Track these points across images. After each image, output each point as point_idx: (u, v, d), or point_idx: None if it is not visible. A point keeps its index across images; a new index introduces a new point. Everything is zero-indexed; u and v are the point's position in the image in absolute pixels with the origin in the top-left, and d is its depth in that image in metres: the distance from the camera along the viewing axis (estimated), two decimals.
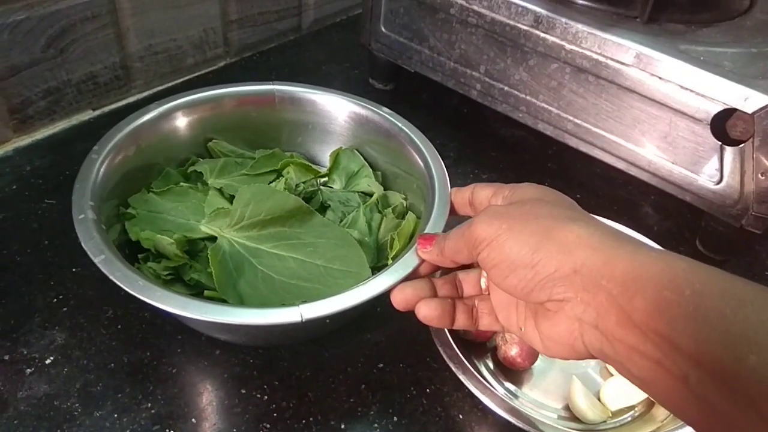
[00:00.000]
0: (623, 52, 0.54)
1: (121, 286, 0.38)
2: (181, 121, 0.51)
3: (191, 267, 0.44)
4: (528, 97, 0.63)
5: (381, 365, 0.48)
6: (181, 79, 0.76)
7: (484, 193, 0.41)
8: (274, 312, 0.37)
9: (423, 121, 0.74)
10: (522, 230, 0.33)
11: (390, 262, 0.46)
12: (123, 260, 0.40)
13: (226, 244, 0.44)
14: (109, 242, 0.41)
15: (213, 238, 0.45)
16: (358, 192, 0.54)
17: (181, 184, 0.50)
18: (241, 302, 0.42)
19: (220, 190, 0.49)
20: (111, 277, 0.39)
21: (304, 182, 0.52)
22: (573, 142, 0.62)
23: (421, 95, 0.79)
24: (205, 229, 0.45)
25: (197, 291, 0.44)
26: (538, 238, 0.32)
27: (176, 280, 0.44)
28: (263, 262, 0.44)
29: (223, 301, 0.41)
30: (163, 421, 0.43)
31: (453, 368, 0.43)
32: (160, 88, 0.75)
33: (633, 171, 0.59)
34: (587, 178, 0.68)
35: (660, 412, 0.45)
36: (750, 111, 0.50)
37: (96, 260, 0.39)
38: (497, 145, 0.72)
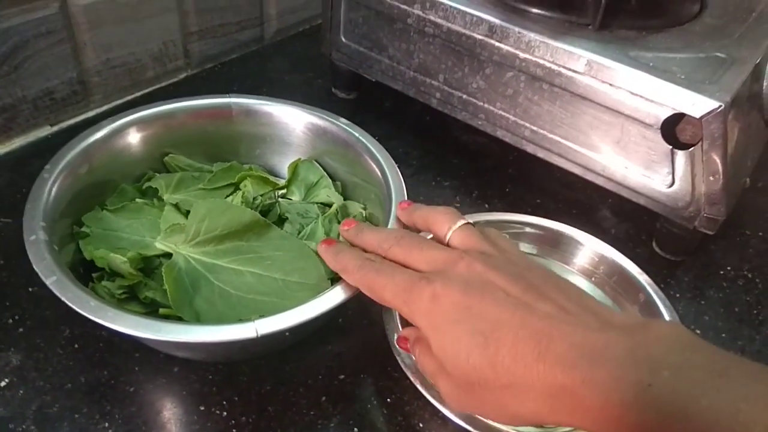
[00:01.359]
0: (575, 60, 0.55)
1: (73, 307, 0.38)
2: (135, 137, 0.51)
3: (146, 285, 0.44)
4: (486, 105, 0.64)
5: (342, 376, 0.48)
6: (142, 92, 0.76)
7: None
8: (229, 328, 0.37)
9: (386, 130, 0.75)
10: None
11: None
12: (75, 281, 0.39)
13: (182, 260, 0.43)
14: (60, 263, 0.40)
15: (169, 255, 0.45)
16: (317, 203, 0.54)
17: (137, 200, 0.50)
18: (198, 319, 0.41)
19: (176, 206, 0.49)
20: (63, 299, 0.38)
21: (261, 195, 0.52)
22: (531, 149, 0.63)
23: (384, 104, 0.79)
24: (160, 245, 0.45)
25: (153, 309, 0.43)
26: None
27: (131, 298, 0.44)
28: (220, 277, 0.43)
29: (179, 318, 0.41)
30: None
31: (410, 377, 0.43)
32: (119, 101, 0.74)
33: (589, 176, 0.60)
34: (547, 183, 0.69)
35: None
36: (698, 115, 0.51)
37: (47, 282, 0.39)
38: (459, 153, 0.73)
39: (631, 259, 0.53)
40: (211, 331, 0.36)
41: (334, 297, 0.40)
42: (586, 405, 0.29)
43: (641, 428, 0.28)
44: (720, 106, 0.50)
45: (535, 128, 0.61)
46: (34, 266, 0.40)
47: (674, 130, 0.54)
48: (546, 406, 0.31)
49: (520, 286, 0.34)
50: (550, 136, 0.61)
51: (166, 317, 0.41)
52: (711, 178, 0.53)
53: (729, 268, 0.62)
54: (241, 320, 0.38)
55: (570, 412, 0.30)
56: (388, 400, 0.47)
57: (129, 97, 0.75)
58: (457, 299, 0.34)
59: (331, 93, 0.80)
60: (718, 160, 0.52)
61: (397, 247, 0.39)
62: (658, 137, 0.54)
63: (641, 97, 0.53)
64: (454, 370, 0.33)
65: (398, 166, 0.70)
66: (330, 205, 0.53)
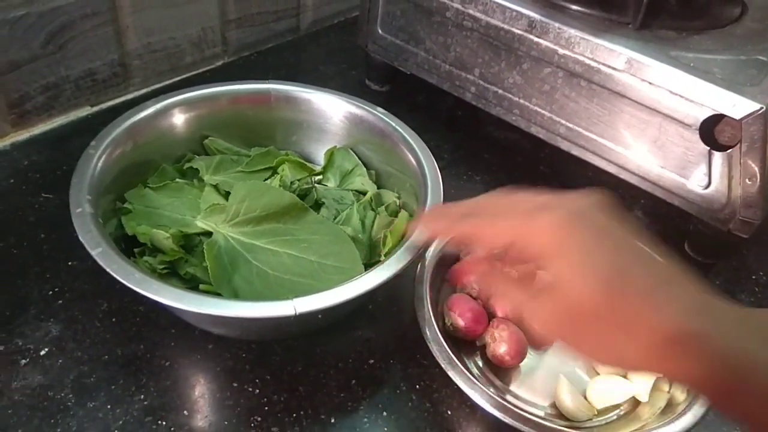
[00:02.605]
0: (615, 57, 0.55)
1: (118, 278, 0.39)
2: (178, 119, 0.52)
3: (187, 261, 0.45)
4: (521, 101, 0.64)
5: (372, 361, 0.48)
6: (179, 78, 0.77)
7: (495, 242, 0.36)
8: (268, 305, 0.38)
9: (418, 123, 0.74)
10: None
11: (383, 258, 0.46)
12: (120, 253, 0.40)
13: (222, 239, 0.44)
14: (106, 235, 0.41)
15: (208, 234, 0.46)
16: (352, 190, 0.54)
17: (177, 180, 0.51)
18: (236, 296, 0.42)
19: (215, 187, 0.50)
20: (108, 270, 0.39)
21: (299, 180, 0.52)
22: (565, 146, 0.63)
23: (417, 97, 0.80)
24: (201, 224, 0.45)
25: (193, 285, 0.44)
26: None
27: (172, 274, 0.45)
28: (258, 257, 0.44)
29: (218, 295, 0.42)
30: (155, 412, 0.43)
31: (442, 364, 0.44)
32: (158, 85, 0.75)
33: (623, 175, 0.60)
34: (579, 182, 0.68)
35: (645, 411, 0.46)
36: (738, 117, 0.51)
37: (93, 253, 0.40)
38: (491, 148, 0.73)
39: None
40: (252, 307, 0.37)
41: (371, 280, 0.40)
42: (696, 358, 0.29)
43: (747, 394, 0.28)
44: (761, 108, 0.50)
45: (570, 125, 0.61)
46: (81, 237, 0.41)
47: (713, 131, 0.54)
48: (655, 354, 0.30)
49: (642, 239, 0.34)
50: (586, 133, 0.61)
51: (206, 293, 0.42)
52: (748, 180, 0.53)
53: (761, 273, 0.61)
54: (278, 299, 0.39)
55: (678, 364, 0.30)
56: (417, 386, 0.47)
57: (167, 82, 0.76)
58: (592, 232, 0.32)
59: (365, 85, 0.81)
60: (756, 163, 0.52)
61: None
62: (696, 138, 0.54)
63: (681, 96, 0.53)
64: (570, 293, 0.31)
65: None
66: (364, 193, 0.54)
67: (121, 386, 0.45)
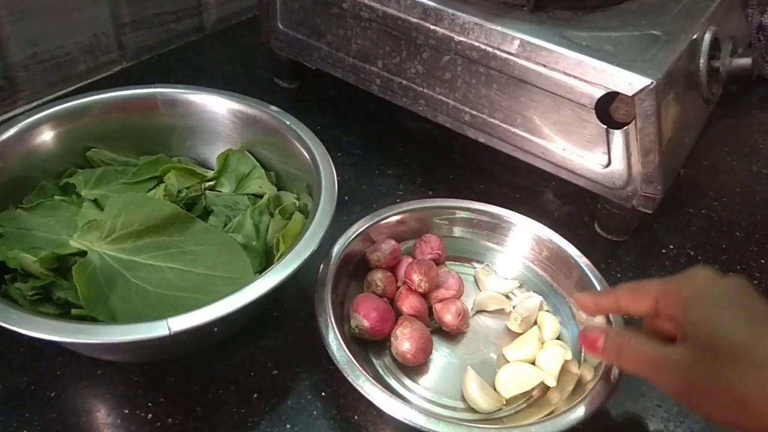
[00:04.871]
0: (508, 41, 0.54)
1: None
2: (50, 133, 0.49)
3: (59, 285, 0.42)
4: (426, 90, 0.63)
5: (275, 372, 0.47)
6: (73, 87, 0.73)
7: (635, 308, 0.41)
8: (138, 327, 0.35)
9: (329, 119, 0.73)
10: None
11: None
12: None
13: (97, 258, 0.42)
14: None
15: (85, 254, 0.43)
16: (249, 194, 0.52)
17: (55, 197, 0.48)
18: (114, 319, 0.40)
19: (95, 201, 0.47)
20: None
21: (187, 188, 0.50)
22: (472, 134, 0.62)
23: (327, 93, 0.78)
24: (75, 243, 0.43)
25: (66, 310, 0.41)
26: None
27: (44, 300, 0.42)
28: (138, 274, 0.42)
29: (93, 319, 0.39)
30: None
31: (341, 369, 0.42)
32: (50, 97, 0.71)
33: (529, 159, 0.59)
34: (491, 169, 0.68)
35: (554, 396, 0.46)
36: (630, 93, 0.51)
37: None
38: (403, 140, 0.72)
39: (572, 241, 0.53)
40: (119, 330, 0.35)
41: (255, 290, 0.38)
42: None
43: None
44: (652, 83, 0.50)
45: (474, 112, 0.60)
46: None
47: (608, 110, 0.53)
48: None
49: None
50: (489, 119, 0.60)
51: (81, 318, 0.39)
52: (646, 156, 0.53)
53: (671, 246, 0.62)
54: (159, 318, 0.36)
55: None
56: (323, 393, 0.46)
57: (60, 92, 0.72)
58: (725, 291, 0.36)
59: (273, 83, 0.78)
60: (652, 139, 0.52)
61: None
62: (593, 117, 0.53)
63: (575, 77, 0.53)
64: (705, 336, 0.34)
65: (341, 156, 0.69)
66: (262, 196, 0.52)
67: (1, 423, 0.42)
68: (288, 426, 0.43)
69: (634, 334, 0.39)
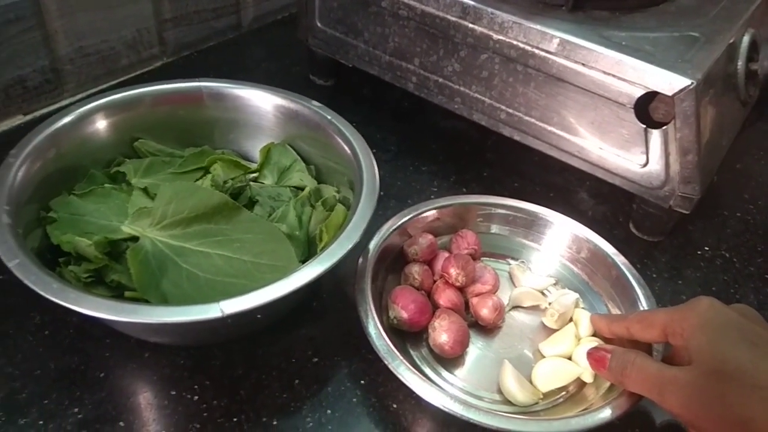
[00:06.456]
0: (547, 40, 0.55)
1: (35, 289, 0.37)
2: (103, 123, 0.51)
3: (112, 268, 0.43)
4: (462, 88, 0.64)
5: (315, 360, 0.48)
6: (116, 81, 0.75)
7: (645, 336, 0.43)
8: (192, 309, 0.36)
9: (364, 116, 0.74)
10: None
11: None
12: (39, 264, 0.39)
13: (149, 243, 0.43)
14: (24, 246, 0.40)
15: (137, 239, 0.44)
16: (290, 186, 0.53)
17: (105, 185, 0.49)
18: (165, 302, 0.41)
19: (144, 190, 0.48)
20: (25, 281, 0.38)
21: (232, 179, 0.51)
22: (507, 132, 0.63)
23: (362, 90, 0.79)
24: (127, 229, 0.44)
25: (119, 293, 0.43)
26: None
27: (98, 282, 0.43)
28: (188, 260, 0.43)
29: (145, 301, 0.41)
30: (90, 425, 0.42)
31: (383, 357, 0.43)
32: (93, 90, 0.73)
33: (564, 158, 0.60)
34: (525, 167, 0.68)
35: (590, 392, 0.46)
36: (670, 93, 0.51)
37: (10, 264, 0.39)
38: (437, 138, 0.73)
39: (607, 240, 0.53)
40: (173, 311, 0.36)
41: (302, 276, 0.40)
42: None
43: None
44: (692, 83, 0.50)
45: (510, 111, 0.61)
46: None
47: (647, 109, 0.54)
48: None
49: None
50: (526, 118, 0.60)
51: (132, 300, 0.41)
52: (685, 156, 0.53)
53: (707, 248, 0.62)
54: (210, 302, 0.38)
55: None
56: (362, 381, 0.46)
57: (103, 86, 0.74)
58: (728, 317, 0.38)
59: (309, 80, 0.79)
60: (691, 139, 0.52)
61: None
62: (632, 117, 0.54)
63: (614, 76, 0.53)
64: (710, 358, 0.36)
65: (376, 152, 0.69)
66: (303, 189, 0.53)
67: (54, 400, 0.43)
68: (329, 412, 0.44)
69: (640, 354, 0.41)
